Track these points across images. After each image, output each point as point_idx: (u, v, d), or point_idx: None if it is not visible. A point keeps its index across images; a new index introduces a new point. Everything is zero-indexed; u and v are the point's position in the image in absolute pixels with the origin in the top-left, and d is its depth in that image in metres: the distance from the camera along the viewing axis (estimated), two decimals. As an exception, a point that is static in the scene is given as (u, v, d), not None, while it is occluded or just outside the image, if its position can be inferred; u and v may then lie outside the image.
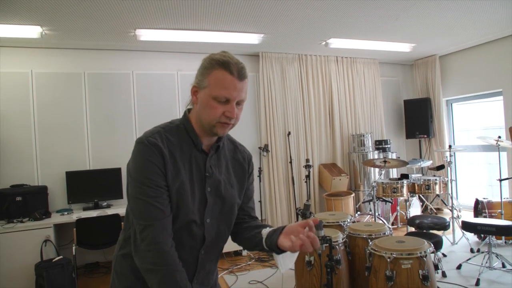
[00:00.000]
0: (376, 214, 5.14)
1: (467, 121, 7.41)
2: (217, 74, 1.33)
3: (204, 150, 1.46)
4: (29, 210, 4.60)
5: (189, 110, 1.49)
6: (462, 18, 5.18)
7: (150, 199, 1.30)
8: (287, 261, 1.48)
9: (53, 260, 4.14)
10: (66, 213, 4.83)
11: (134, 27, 4.79)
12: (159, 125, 1.44)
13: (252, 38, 5.46)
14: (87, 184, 5.17)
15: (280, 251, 1.41)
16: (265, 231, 1.48)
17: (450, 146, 5.60)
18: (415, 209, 6.09)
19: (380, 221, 5.05)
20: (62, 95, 5.29)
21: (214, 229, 1.48)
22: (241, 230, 1.61)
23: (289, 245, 1.32)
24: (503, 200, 4.91)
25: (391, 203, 5.89)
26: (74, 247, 4.35)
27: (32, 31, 4.50)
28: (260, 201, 6.18)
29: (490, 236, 4.15)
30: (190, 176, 1.41)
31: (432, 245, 2.97)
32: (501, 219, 4.71)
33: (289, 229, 1.39)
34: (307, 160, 6.13)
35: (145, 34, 4.98)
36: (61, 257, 4.25)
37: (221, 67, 1.33)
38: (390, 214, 6.29)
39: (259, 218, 5.20)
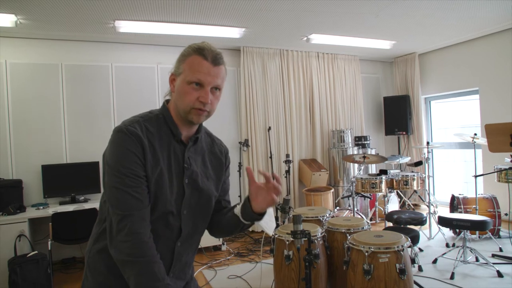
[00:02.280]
0: (355, 209, 5.19)
1: (445, 119, 7.56)
2: (192, 59, 1.35)
3: (183, 141, 1.45)
4: (2, 204, 4.47)
5: (167, 101, 1.48)
6: (441, 17, 5.26)
7: (128, 189, 1.28)
8: (269, 223, 1.53)
9: (28, 256, 4.04)
10: (41, 207, 4.73)
11: (113, 18, 4.70)
12: (138, 115, 1.43)
13: (233, 32, 5.43)
14: (64, 178, 5.06)
15: (260, 215, 1.48)
16: (237, 210, 1.52)
17: (428, 143, 5.69)
18: (393, 205, 6.17)
19: (359, 216, 5.11)
20: (38, 87, 5.16)
21: (190, 221, 1.47)
22: (217, 219, 1.61)
23: (262, 203, 1.45)
24: (478, 196, 5.02)
25: (370, 198, 5.95)
26: (49, 242, 4.26)
27: (6, 20, 4.36)
28: (240, 196, 6.16)
29: (465, 231, 4.23)
30: (169, 166, 1.40)
31: (409, 239, 3.01)
32: (476, 214, 4.82)
33: (254, 194, 1.47)
34: (287, 155, 6.13)
35: (125, 26, 4.89)
36: (35, 252, 4.14)
37: (196, 53, 1.35)
38: (369, 210, 6.37)
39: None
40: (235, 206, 1.55)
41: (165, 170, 1.38)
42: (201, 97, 1.34)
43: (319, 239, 3.26)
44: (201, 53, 1.34)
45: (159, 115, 1.43)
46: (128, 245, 1.26)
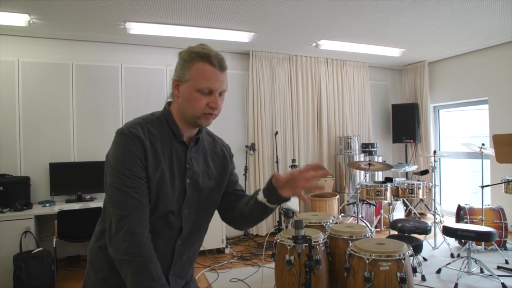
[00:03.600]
0: (360, 216, 5.16)
1: (454, 128, 7.50)
2: (199, 66, 1.36)
3: (185, 142, 1.47)
4: (10, 200, 4.53)
5: (169, 104, 1.50)
6: (451, 26, 5.24)
7: (129, 190, 1.30)
8: (293, 201, 1.53)
9: (32, 252, 4.09)
10: (48, 204, 4.78)
11: (124, 20, 4.75)
12: (140, 117, 1.45)
13: (242, 36, 5.46)
14: (71, 176, 5.12)
15: (289, 197, 1.45)
16: (260, 197, 1.47)
17: (434, 152, 5.65)
18: (398, 213, 6.14)
19: (363, 223, 5.08)
20: (48, 85, 5.23)
21: (191, 220, 1.49)
22: (239, 212, 1.58)
23: (290, 191, 1.42)
24: (484, 206, 4.97)
25: (375, 206, 5.93)
26: (54, 239, 4.30)
27: (20, 19, 4.43)
28: (245, 200, 6.16)
29: (470, 241, 4.19)
30: (171, 167, 1.42)
31: (411, 248, 2.99)
32: (482, 225, 4.77)
33: (282, 185, 1.42)
34: (293, 160, 6.13)
35: (135, 28, 4.94)
36: (40, 249, 4.20)
37: (202, 59, 1.35)
38: (374, 217, 6.34)
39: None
40: (256, 193, 1.50)
41: (167, 171, 1.40)
42: (211, 103, 1.37)
43: (320, 245, 3.26)
44: (207, 60, 1.35)
45: (161, 117, 1.46)
46: (126, 244, 1.28)
